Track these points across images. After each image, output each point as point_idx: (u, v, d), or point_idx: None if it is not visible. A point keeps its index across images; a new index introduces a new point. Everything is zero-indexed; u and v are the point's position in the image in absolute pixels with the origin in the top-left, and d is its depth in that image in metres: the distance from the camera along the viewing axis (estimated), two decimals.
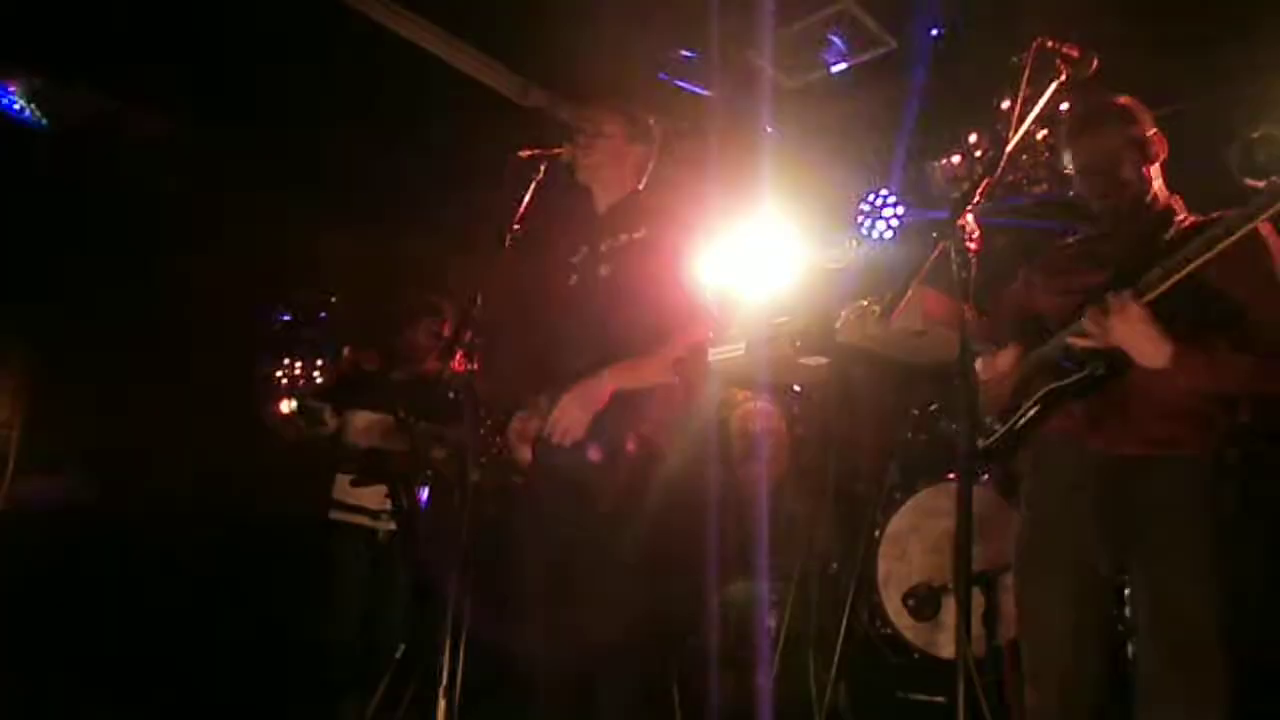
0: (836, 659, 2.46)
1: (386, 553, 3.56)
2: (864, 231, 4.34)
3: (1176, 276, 1.85)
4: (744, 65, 3.91)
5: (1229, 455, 2.00)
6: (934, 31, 3.89)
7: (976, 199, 1.78)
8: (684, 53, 4.02)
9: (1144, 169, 2.10)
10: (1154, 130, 2.14)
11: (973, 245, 1.74)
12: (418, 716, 2.81)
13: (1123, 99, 2.18)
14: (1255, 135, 3.66)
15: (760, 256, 3.75)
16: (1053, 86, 1.98)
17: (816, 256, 4.11)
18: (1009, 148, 1.88)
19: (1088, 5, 3.50)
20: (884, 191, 4.33)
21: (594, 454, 2.16)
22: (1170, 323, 1.87)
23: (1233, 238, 1.78)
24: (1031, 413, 2.06)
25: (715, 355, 1.94)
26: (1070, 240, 2.29)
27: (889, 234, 4.18)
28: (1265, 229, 1.92)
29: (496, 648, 2.62)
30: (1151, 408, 1.95)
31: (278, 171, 4.84)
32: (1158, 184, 2.14)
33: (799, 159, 4.42)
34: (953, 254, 1.71)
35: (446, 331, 3.65)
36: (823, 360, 1.87)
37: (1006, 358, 2.20)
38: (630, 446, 2.30)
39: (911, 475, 3.67)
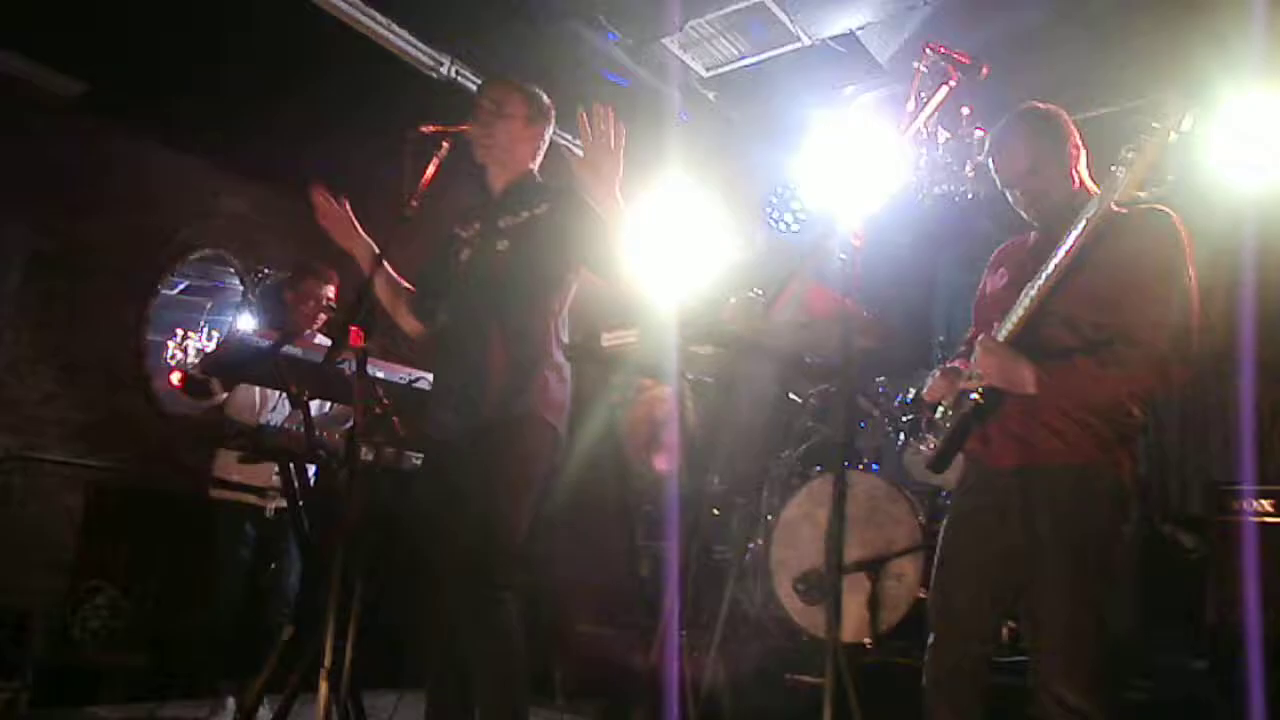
0: (716, 640, 2.51)
1: (275, 531, 3.47)
2: (771, 222, 4.41)
3: (1035, 306, 1.95)
4: (658, 53, 3.91)
5: (1119, 463, 2.06)
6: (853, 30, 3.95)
7: (864, 197, 1.82)
8: (611, 35, 3.99)
9: (1067, 174, 2.14)
10: (1074, 135, 2.18)
11: (857, 243, 1.78)
12: (304, 700, 2.75)
13: (1042, 105, 2.22)
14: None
15: (667, 243, 3.77)
16: (943, 92, 2.04)
17: (724, 245, 4.15)
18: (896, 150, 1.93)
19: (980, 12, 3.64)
20: (789, 186, 4.40)
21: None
22: (1040, 340, 1.97)
23: (1061, 262, 1.90)
24: (947, 436, 2.19)
25: (607, 340, 1.95)
26: (1012, 243, 2.33)
27: (795, 226, 4.25)
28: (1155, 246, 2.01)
29: (388, 630, 2.59)
30: (1035, 423, 2.05)
31: (176, 136, 4.67)
32: (1082, 186, 2.17)
33: (711, 148, 4.46)
34: (838, 250, 1.75)
35: (333, 299, 3.57)
36: (711, 349, 1.90)
37: (939, 386, 2.26)
38: (518, 422, 2.31)
39: (809, 463, 3.77)
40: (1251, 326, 3.84)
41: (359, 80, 3.99)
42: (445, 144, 2.49)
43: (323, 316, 3.64)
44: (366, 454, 2.76)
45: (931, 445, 2.20)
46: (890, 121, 4.11)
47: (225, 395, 3.51)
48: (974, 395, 2.04)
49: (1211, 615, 3.14)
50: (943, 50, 2.05)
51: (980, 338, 2.01)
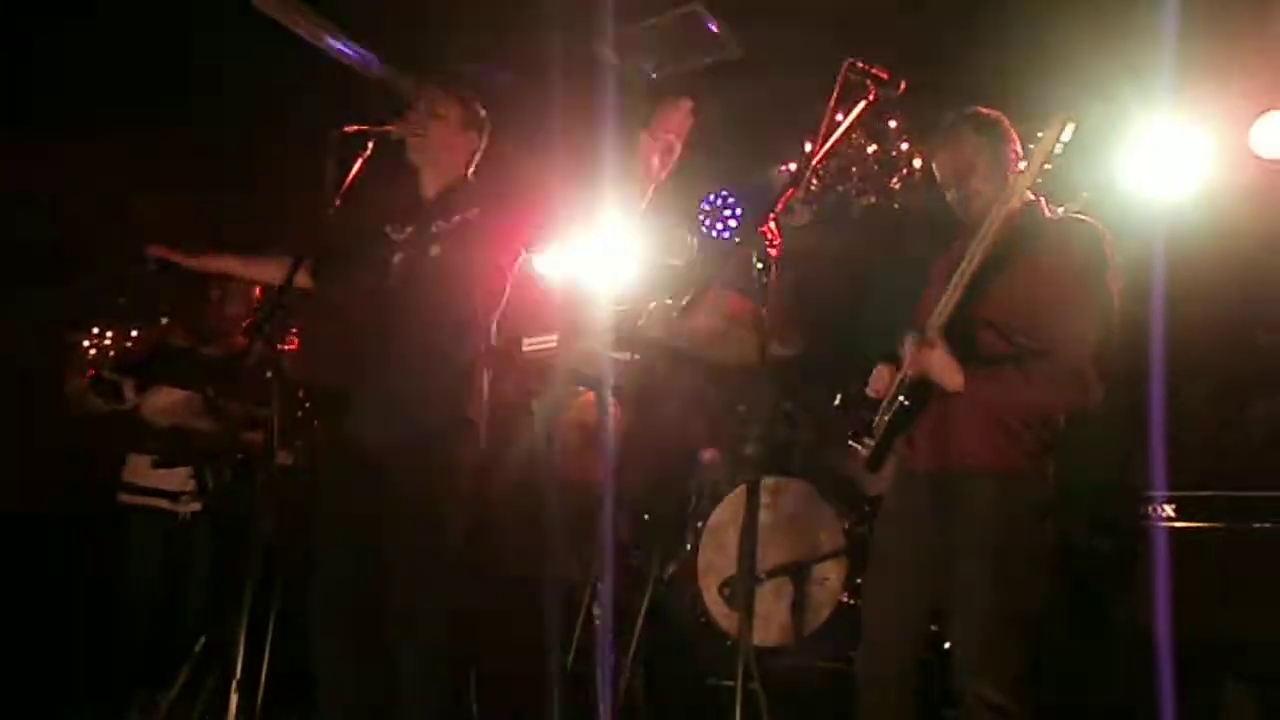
0: (633, 645, 2.52)
1: (188, 537, 3.37)
2: (705, 231, 4.44)
3: (957, 296, 1.99)
4: (591, 57, 3.91)
5: (1043, 472, 2.15)
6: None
7: (779, 208, 1.85)
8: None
9: (1004, 178, 2.19)
10: (1015, 141, 2.25)
11: (774, 251, 1.81)
12: (216, 712, 2.68)
13: (980, 110, 2.28)
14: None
15: (599, 249, 3.77)
16: (860, 105, 2.08)
17: (656, 252, 4.16)
18: (814, 162, 1.97)
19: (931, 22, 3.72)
20: (725, 193, 4.44)
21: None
22: (972, 346, 2.02)
23: (976, 261, 1.95)
24: (880, 436, 2.24)
25: (528, 346, 1.94)
26: (950, 253, 2.37)
27: (727, 235, 4.29)
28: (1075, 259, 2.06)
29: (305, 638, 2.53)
30: (959, 429, 2.11)
31: (93, 128, 4.50)
32: (1019, 193, 2.17)
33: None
34: (754, 259, 1.78)
35: (258, 300, 3.50)
36: (630, 356, 1.90)
37: (882, 378, 2.33)
38: (443, 430, 2.29)
39: (737, 469, 3.80)
40: (1162, 335, 3.99)
41: (285, 77, 3.91)
42: (370, 144, 2.47)
43: (246, 319, 3.55)
44: (286, 457, 2.71)
45: (866, 446, 2.24)
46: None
47: (138, 397, 3.40)
48: (901, 398, 2.08)
49: (1122, 617, 3.25)
50: (862, 66, 2.09)
51: (910, 332, 2.05)
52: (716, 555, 3.57)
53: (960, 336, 2.05)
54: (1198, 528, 3.22)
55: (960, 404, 2.07)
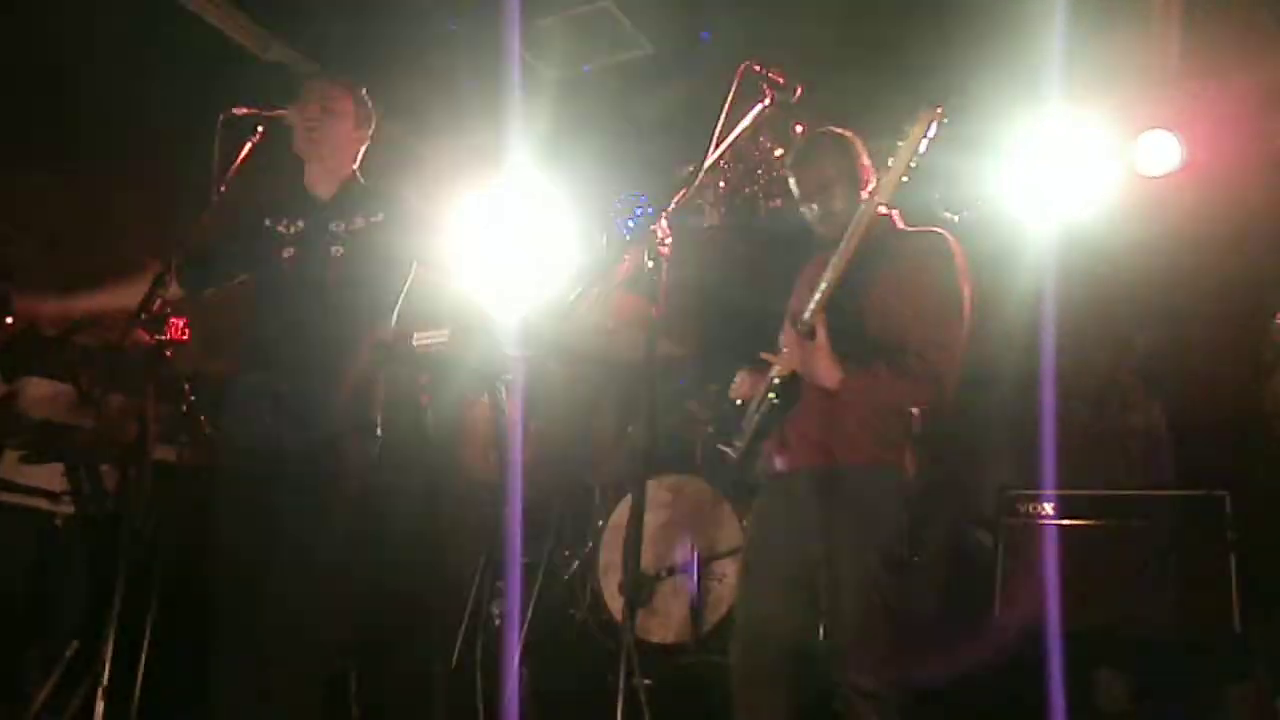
0: (520, 642, 2.50)
1: (64, 539, 3.19)
2: (616, 230, 4.44)
3: (826, 291, 2.04)
4: (502, 48, 3.86)
5: (903, 463, 2.20)
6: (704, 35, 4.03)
7: (671, 207, 1.86)
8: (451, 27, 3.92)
9: (857, 193, 2.26)
10: (864, 157, 2.32)
11: (665, 250, 1.82)
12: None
13: (838, 130, 2.36)
14: None
15: (504, 246, 3.73)
16: (757, 109, 2.10)
17: (571, 247, 4.14)
18: (708, 163, 1.99)
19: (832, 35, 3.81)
20: (636, 192, 4.45)
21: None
22: (840, 343, 2.07)
23: (841, 267, 2.02)
24: (750, 435, 2.28)
25: (417, 340, 1.91)
26: (813, 262, 2.42)
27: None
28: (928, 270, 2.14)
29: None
30: (830, 426, 2.16)
31: None
32: (873, 206, 2.22)
33: (555, 152, 4.44)
34: (645, 258, 1.78)
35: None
36: (524, 353, 1.89)
37: (744, 383, 2.37)
38: (336, 435, 2.23)
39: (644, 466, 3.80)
40: (1052, 342, 4.17)
41: (175, 55, 3.74)
42: (260, 129, 2.39)
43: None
44: (166, 453, 2.59)
45: (735, 448, 2.28)
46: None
47: (5, 388, 3.20)
48: (771, 395, 2.13)
49: (999, 610, 3.38)
50: (759, 68, 2.12)
51: (787, 321, 2.09)
52: (617, 554, 3.57)
53: (839, 334, 2.10)
54: (1075, 524, 3.37)
55: (828, 401, 2.13)
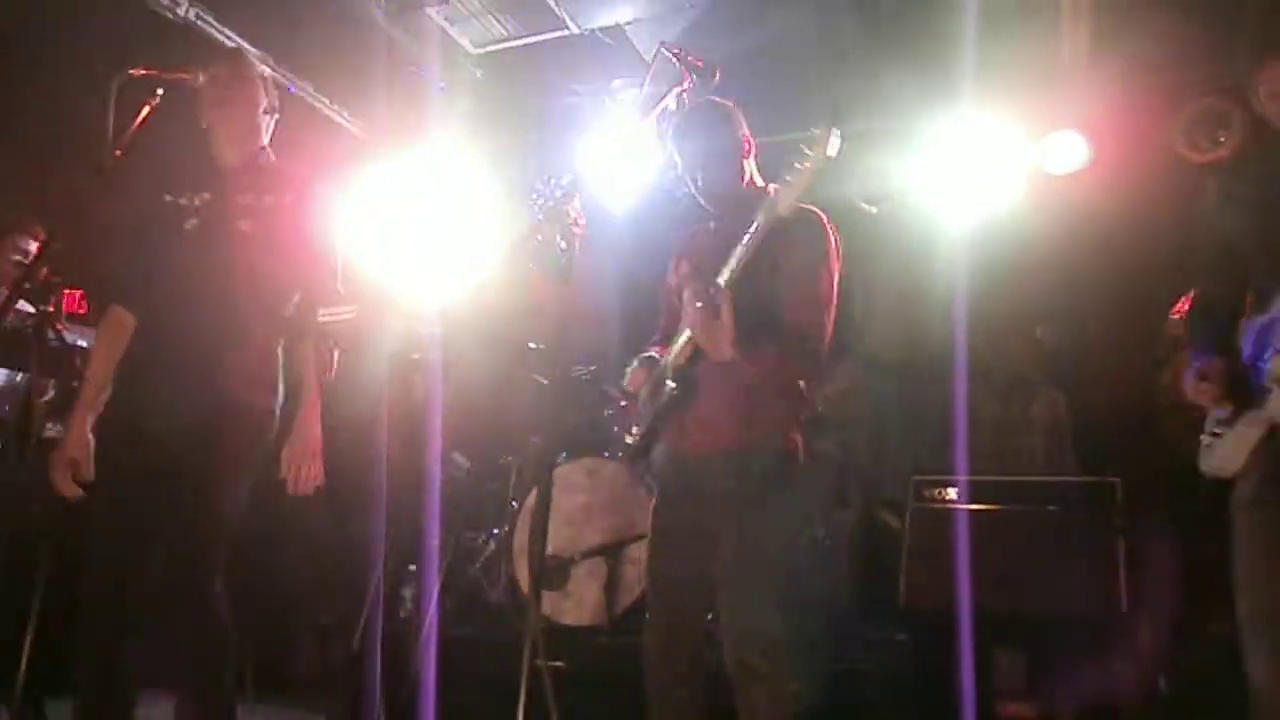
0: (425, 626, 2.47)
1: None
2: (537, 206, 4.39)
3: (735, 271, 2.05)
4: (422, 22, 3.78)
5: (796, 443, 2.26)
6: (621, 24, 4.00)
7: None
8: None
9: (738, 166, 2.29)
10: (744, 129, 2.33)
11: (578, 230, 1.80)
12: None
13: (714, 100, 2.34)
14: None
15: (421, 223, 3.66)
16: (675, 90, 2.10)
17: (488, 226, 4.08)
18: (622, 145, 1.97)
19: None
20: (560, 173, 4.39)
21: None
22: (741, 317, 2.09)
23: (748, 257, 2.05)
24: (646, 425, 2.31)
25: (323, 315, 1.86)
26: (692, 233, 2.46)
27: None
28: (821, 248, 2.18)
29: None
30: (725, 410, 2.20)
31: None
32: (752, 176, 2.34)
33: (479, 127, 4.37)
34: (557, 238, 1.77)
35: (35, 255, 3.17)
36: (436, 331, 1.85)
37: (638, 376, 2.38)
38: (239, 414, 2.17)
39: (556, 449, 3.78)
40: (964, 335, 4.30)
41: (74, 10, 3.54)
42: (159, 91, 2.29)
43: (17, 274, 3.20)
44: (53, 430, 2.47)
45: (634, 435, 2.30)
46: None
47: None
48: (670, 384, 2.14)
49: (904, 591, 3.48)
50: (678, 52, 2.11)
51: (689, 293, 2.10)
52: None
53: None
54: (978, 509, 3.48)
55: (726, 386, 2.16)
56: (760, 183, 2.28)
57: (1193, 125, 3.88)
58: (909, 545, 3.51)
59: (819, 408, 4.38)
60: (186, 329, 2.21)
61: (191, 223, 2.30)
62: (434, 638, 2.81)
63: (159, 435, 2.14)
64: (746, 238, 2.04)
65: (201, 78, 2.33)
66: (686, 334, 2.21)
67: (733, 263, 2.06)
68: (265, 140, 2.42)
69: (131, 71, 2.29)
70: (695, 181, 2.28)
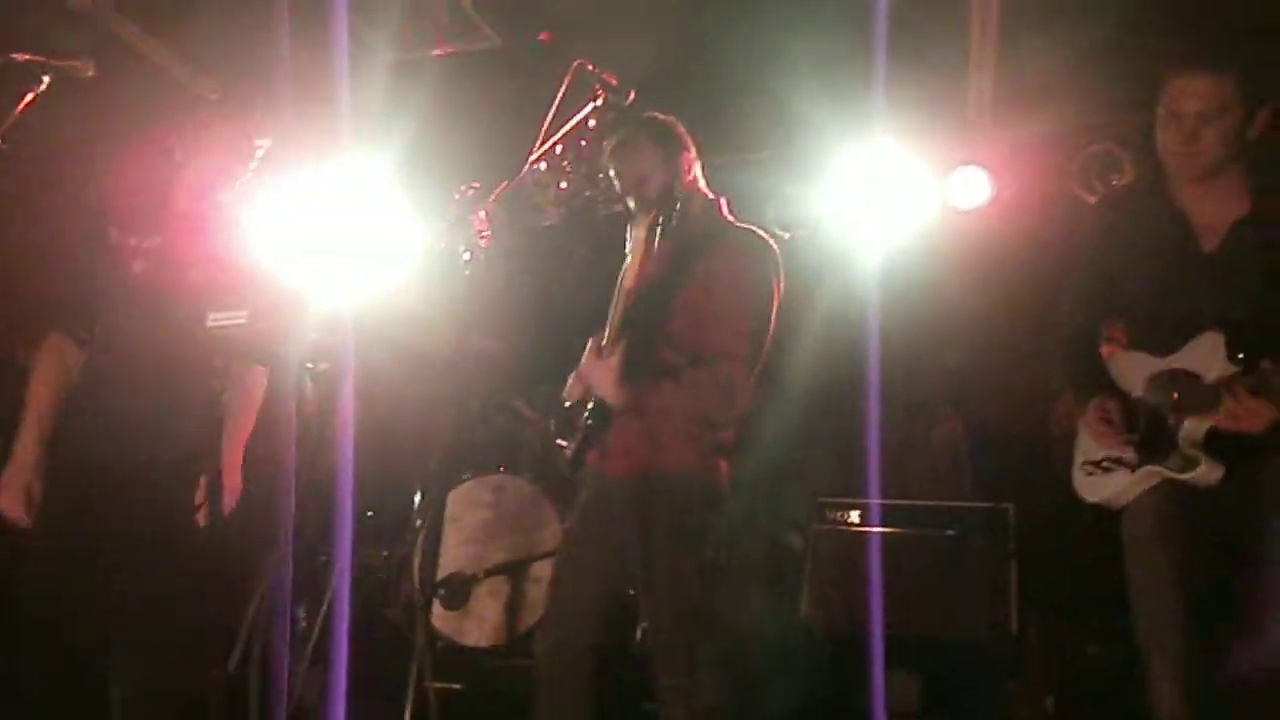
0: (309, 647, 2.39)
1: None
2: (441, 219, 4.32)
3: (622, 311, 2.07)
4: (336, 24, 3.69)
5: (718, 469, 2.27)
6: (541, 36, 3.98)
7: (493, 199, 1.83)
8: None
9: (681, 183, 2.26)
10: (690, 148, 2.32)
11: (483, 242, 1.78)
12: None
13: (658, 118, 2.33)
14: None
15: (328, 230, 3.56)
16: (589, 108, 2.09)
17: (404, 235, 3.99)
18: (531, 160, 1.97)
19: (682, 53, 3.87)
20: (477, 185, 4.34)
21: None
22: (651, 354, 2.09)
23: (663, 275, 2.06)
24: (578, 438, 2.26)
25: (213, 321, 1.78)
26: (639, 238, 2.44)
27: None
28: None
29: None
30: (646, 434, 2.18)
31: None
32: (696, 198, 2.32)
33: (401, 135, 4.29)
34: (462, 251, 1.74)
35: None
36: (330, 337, 1.79)
37: (575, 384, 2.34)
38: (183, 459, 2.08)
39: (460, 466, 3.72)
40: (878, 359, 4.40)
41: None
42: (45, 78, 2.17)
43: None
44: None
45: (568, 446, 2.27)
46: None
47: None
48: (591, 406, 2.14)
49: (805, 612, 3.52)
50: (592, 69, 2.11)
51: (590, 343, 2.10)
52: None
53: (641, 344, 2.13)
54: (877, 532, 3.55)
55: (644, 410, 2.15)
56: (710, 194, 2.28)
57: (1087, 167, 4.07)
58: (810, 567, 3.56)
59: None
60: (145, 375, 2.14)
61: (139, 265, 2.21)
62: (344, 658, 2.71)
63: (100, 480, 2.07)
64: (675, 254, 2.02)
65: (186, 121, 2.30)
66: None
67: (663, 275, 2.03)
68: (229, 189, 2.35)
69: (13, 56, 2.17)
70: (631, 198, 2.25)
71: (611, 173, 2.34)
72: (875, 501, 3.59)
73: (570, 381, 2.35)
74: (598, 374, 2.09)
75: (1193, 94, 1.96)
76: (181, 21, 3.69)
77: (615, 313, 2.12)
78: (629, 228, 2.35)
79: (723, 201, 2.33)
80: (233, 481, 2.08)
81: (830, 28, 3.64)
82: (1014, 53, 3.76)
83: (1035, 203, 4.26)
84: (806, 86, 3.89)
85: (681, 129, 2.31)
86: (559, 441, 2.30)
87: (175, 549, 2.06)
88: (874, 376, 4.41)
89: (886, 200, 4.22)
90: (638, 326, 2.12)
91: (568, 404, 2.32)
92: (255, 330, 1.82)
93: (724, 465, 2.27)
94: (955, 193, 4.25)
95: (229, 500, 2.04)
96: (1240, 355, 1.88)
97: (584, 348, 2.27)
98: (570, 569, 2.28)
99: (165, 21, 3.65)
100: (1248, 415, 1.84)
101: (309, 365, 2.18)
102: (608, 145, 2.34)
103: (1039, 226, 4.19)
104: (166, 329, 2.11)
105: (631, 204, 2.30)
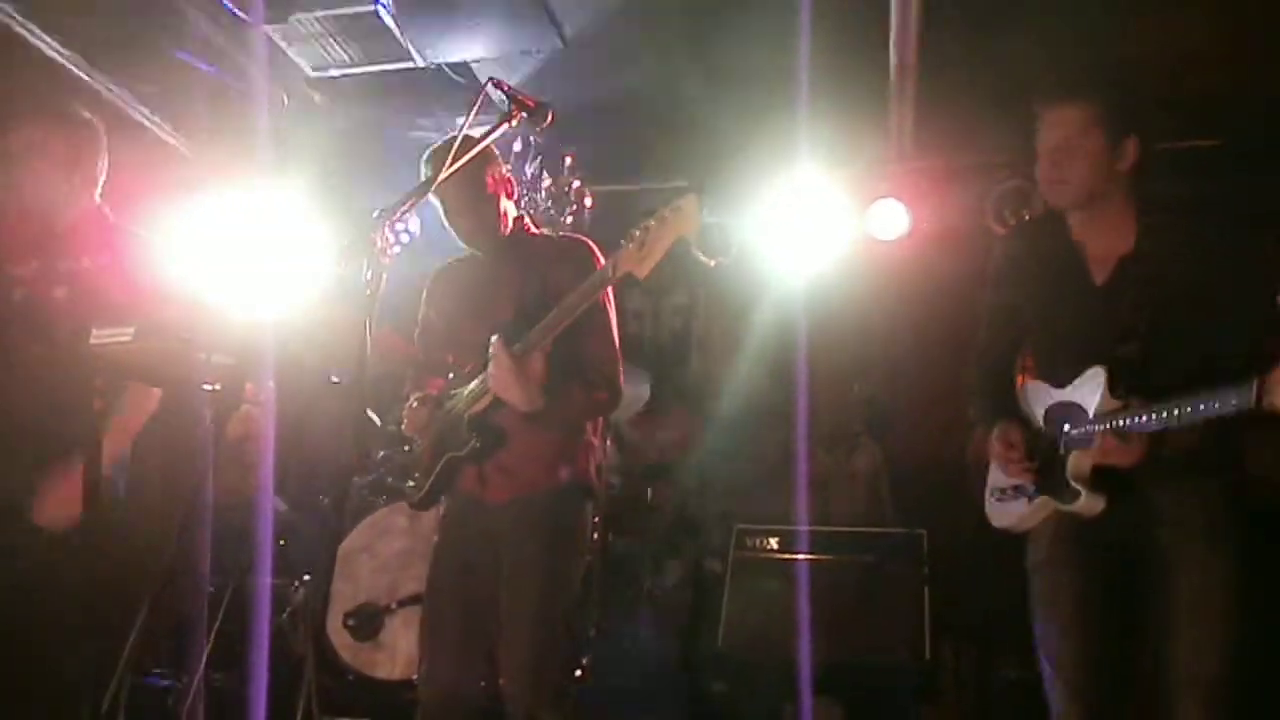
0: (196, 679, 2.27)
1: None
2: (375, 240, 4.24)
3: (550, 328, 2.06)
4: (258, 39, 3.61)
5: (591, 486, 2.28)
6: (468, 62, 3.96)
7: (396, 216, 1.80)
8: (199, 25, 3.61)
9: (498, 205, 2.29)
10: (500, 169, 2.33)
11: (387, 260, 1.75)
12: None
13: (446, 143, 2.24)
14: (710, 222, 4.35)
15: (237, 249, 3.47)
16: (502, 128, 2.07)
17: (317, 256, 3.91)
18: (438, 180, 1.94)
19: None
20: (400, 205, 4.28)
21: None
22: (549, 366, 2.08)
23: (586, 304, 2.06)
24: (437, 474, 2.23)
25: (96, 338, 1.69)
26: (453, 272, 2.44)
27: (397, 249, 4.13)
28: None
29: None
30: (524, 455, 2.17)
31: None
32: (514, 216, 2.35)
33: (316, 154, 4.21)
34: (364, 270, 1.70)
35: None
36: (229, 361, 1.72)
37: (419, 415, 2.29)
38: None
39: (377, 493, 3.62)
40: (806, 388, 4.44)
41: None
42: None
43: None
44: None
45: (420, 484, 2.24)
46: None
47: None
48: (474, 441, 2.13)
49: (723, 639, 3.50)
50: (507, 89, 2.09)
51: (493, 348, 2.05)
52: (344, 583, 3.36)
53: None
54: (795, 558, 3.56)
55: (526, 433, 2.14)
56: (526, 224, 2.33)
57: (1000, 202, 4.21)
58: (729, 594, 3.55)
59: (653, 456, 4.45)
60: (16, 414, 2.04)
61: (19, 293, 2.13)
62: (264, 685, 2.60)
63: None
64: (573, 295, 2.02)
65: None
66: (479, 382, 2.16)
67: (552, 318, 2.04)
68: (96, 192, 2.26)
69: None
70: (461, 222, 2.26)
71: (435, 201, 2.28)
72: (795, 528, 3.60)
73: (408, 413, 2.29)
74: (520, 386, 2.04)
75: (1057, 123, 2.03)
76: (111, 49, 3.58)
77: (531, 337, 2.08)
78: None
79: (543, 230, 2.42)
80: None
81: (756, 63, 3.72)
82: (932, 91, 3.88)
83: (951, 235, 4.39)
84: (731, 118, 3.95)
85: (492, 150, 2.27)
86: (409, 482, 2.27)
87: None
88: (801, 404, 4.47)
89: (809, 230, 4.29)
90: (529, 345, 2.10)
91: (407, 446, 2.28)
92: (142, 349, 1.73)
93: (596, 481, 2.28)
94: (875, 224, 4.34)
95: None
96: (1121, 390, 1.93)
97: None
98: (440, 604, 2.20)
99: (80, 33, 3.53)
100: (1117, 452, 1.91)
101: (205, 387, 2.08)
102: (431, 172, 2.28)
103: (955, 257, 4.31)
104: (44, 346, 2.02)
105: (458, 226, 2.30)
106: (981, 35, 3.56)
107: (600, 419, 2.35)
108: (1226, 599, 1.89)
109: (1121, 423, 1.90)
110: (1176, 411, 1.80)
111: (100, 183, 2.31)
